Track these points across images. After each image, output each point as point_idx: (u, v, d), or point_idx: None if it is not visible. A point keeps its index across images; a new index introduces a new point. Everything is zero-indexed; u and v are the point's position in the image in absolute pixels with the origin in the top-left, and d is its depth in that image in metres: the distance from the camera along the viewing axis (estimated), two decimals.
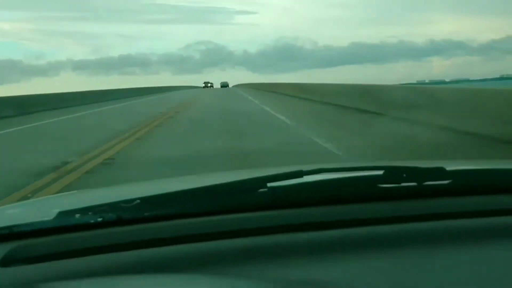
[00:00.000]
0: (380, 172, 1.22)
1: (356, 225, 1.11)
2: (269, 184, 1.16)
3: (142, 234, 1.05)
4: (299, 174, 1.21)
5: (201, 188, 1.21)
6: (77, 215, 1.10)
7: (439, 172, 1.23)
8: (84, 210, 1.12)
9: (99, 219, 1.08)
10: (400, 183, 1.20)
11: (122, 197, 1.21)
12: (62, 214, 1.10)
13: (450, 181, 1.22)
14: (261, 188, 1.16)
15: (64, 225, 1.08)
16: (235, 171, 3.44)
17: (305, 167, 1.33)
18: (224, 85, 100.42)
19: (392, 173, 1.23)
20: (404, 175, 1.22)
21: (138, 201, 1.12)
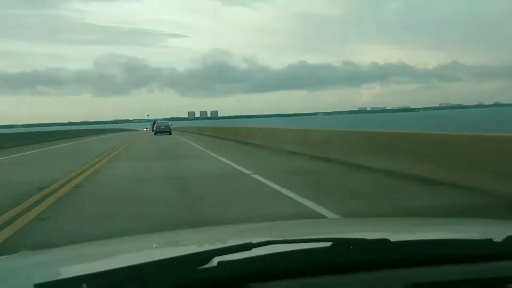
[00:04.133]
0: (328, 244, 1.24)
1: None
2: (217, 259, 1.15)
3: None
4: (248, 246, 1.20)
5: (147, 264, 1.17)
6: None
7: (384, 244, 1.26)
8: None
9: None
10: (347, 255, 1.24)
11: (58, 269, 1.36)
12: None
13: (394, 253, 1.26)
14: (209, 263, 1.14)
15: None
16: (175, 232, 2.60)
17: (253, 237, 1.42)
18: (162, 130, 43.12)
19: (340, 245, 1.25)
20: (351, 247, 1.25)
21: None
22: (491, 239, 1.34)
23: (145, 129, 77.00)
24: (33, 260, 1.64)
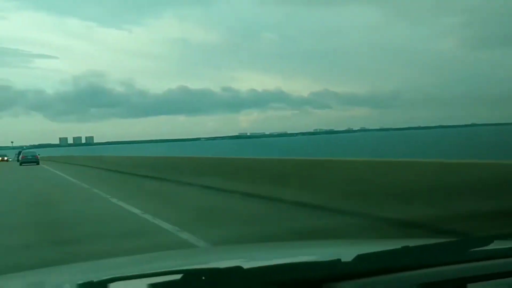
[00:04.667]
0: (178, 276, 1.22)
1: None
2: None
3: None
4: (92, 285, 1.13)
5: None
6: None
7: (237, 273, 1.28)
8: None
9: None
10: (199, 287, 1.23)
11: None
12: None
13: (247, 281, 1.28)
14: None
15: None
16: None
17: (107, 273, 1.36)
18: (29, 160, 41.91)
19: (191, 276, 1.23)
20: (203, 277, 1.24)
21: None
22: (339, 259, 1.38)
23: (6, 158, 64.13)
24: None
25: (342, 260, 1.37)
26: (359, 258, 1.38)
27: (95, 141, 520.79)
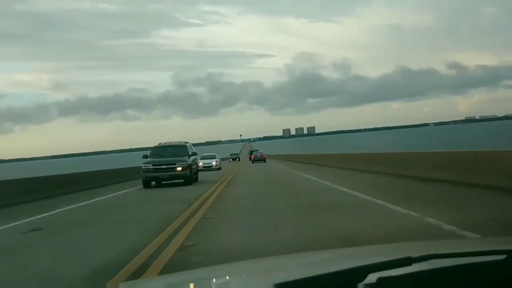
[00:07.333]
0: (503, 257, 1.11)
1: None
2: (376, 275, 1.06)
3: None
4: (408, 261, 1.12)
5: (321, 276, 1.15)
6: None
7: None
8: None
9: None
10: None
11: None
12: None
13: None
14: (366, 279, 1.06)
15: None
16: (317, 253, 2.75)
17: (412, 251, 1.33)
18: (259, 158, 54.82)
19: None
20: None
21: None
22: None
23: (229, 160, 70.77)
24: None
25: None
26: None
27: (316, 131, 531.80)
